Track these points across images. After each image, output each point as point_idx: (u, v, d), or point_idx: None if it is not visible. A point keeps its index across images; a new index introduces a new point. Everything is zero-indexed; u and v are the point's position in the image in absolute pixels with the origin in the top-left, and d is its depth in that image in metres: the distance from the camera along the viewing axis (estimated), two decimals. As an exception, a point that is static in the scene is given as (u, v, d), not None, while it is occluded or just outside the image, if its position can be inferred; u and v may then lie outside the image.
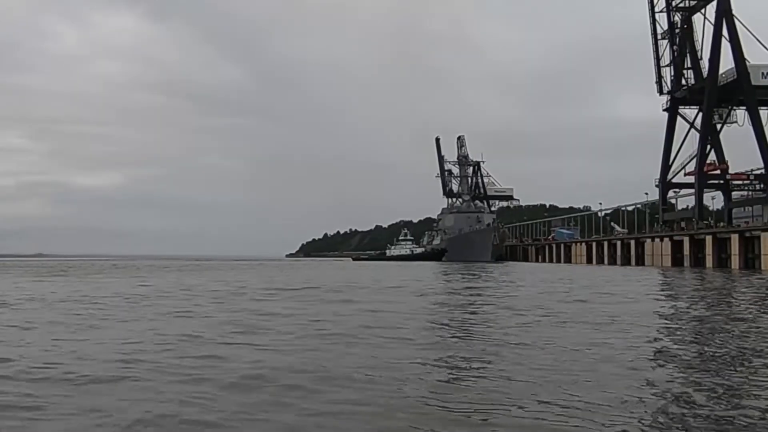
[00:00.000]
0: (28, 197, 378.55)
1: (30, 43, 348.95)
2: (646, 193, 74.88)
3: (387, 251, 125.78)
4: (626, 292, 21.64)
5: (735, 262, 49.57)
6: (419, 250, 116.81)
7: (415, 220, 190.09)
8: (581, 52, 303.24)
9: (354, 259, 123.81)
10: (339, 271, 48.67)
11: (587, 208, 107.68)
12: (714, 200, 67.93)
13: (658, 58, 64.76)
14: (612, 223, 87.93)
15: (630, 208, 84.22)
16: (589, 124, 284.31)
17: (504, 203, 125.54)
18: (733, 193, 63.06)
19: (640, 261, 63.17)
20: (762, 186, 58.64)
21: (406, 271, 47.45)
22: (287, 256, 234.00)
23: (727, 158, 62.74)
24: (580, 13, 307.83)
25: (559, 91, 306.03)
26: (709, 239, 53.63)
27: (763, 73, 58.55)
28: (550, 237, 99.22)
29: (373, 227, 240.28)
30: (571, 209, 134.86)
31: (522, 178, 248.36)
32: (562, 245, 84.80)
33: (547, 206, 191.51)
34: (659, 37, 64.37)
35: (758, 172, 59.11)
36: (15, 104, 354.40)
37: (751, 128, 58.67)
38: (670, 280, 31.20)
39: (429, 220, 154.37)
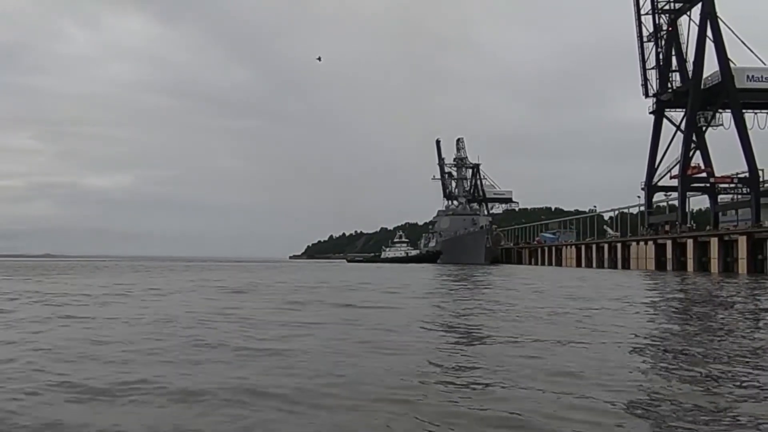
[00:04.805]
0: (38, 198, 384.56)
1: (41, 45, 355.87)
2: (639, 197, 74.48)
3: (382, 253, 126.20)
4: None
5: (714, 265, 49.27)
6: (414, 252, 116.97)
7: (420, 223, 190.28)
8: (588, 53, 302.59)
9: (348, 261, 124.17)
10: (317, 273, 48.77)
11: (592, 211, 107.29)
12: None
13: (643, 61, 64.41)
14: (605, 227, 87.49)
15: (633, 211, 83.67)
16: (597, 126, 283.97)
17: (505, 205, 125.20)
18: (720, 196, 62.53)
19: (626, 264, 62.92)
20: (747, 189, 58.04)
21: (381, 273, 47.69)
22: (291, 257, 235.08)
23: (715, 162, 62.29)
24: (586, 15, 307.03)
25: (566, 93, 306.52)
26: (690, 243, 53.34)
27: (747, 76, 58.01)
28: (536, 240, 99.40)
29: (378, 229, 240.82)
30: (577, 212, 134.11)
31: (528, 180, 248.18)
32: (554, 248, 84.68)
33: (553, 209, 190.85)
34: (645, 39, 64.06)
35: (743, 175, 58.57)
36: (26, 105, 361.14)
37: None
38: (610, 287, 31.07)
39: (433, 222, 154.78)
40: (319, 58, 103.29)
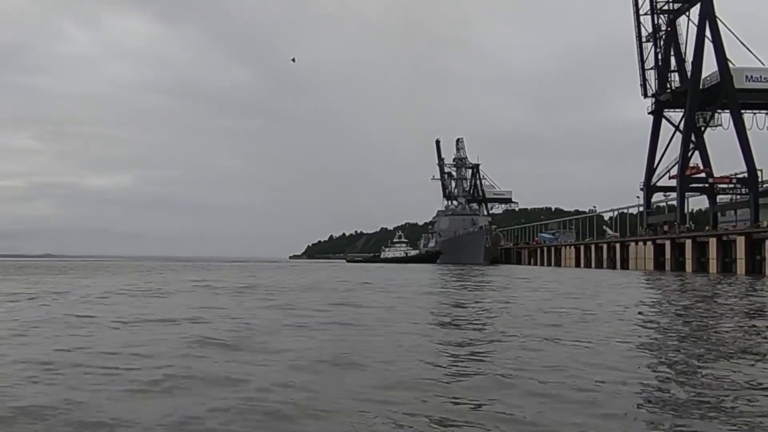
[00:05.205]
0: (39, 198, 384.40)
1: (42, 45, 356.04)
2: (638, 197, 74.52)
3: (381, 254, 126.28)
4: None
5: (713, 266, 49.34)
6: (413, 252, 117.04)
7: (420, 223, 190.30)
8: (588, 53, 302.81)
9: (348, 261, 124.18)
10: (317, 273, 48.75)
11: (592, 211, 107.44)
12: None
13: (642, 61, 64.47)
14: (604, 227, 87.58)
15: (633, 211, 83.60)
16: (597, 126, 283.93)
17: (504, 206, 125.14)
18: (719, 197, 62.59)
19: (625, 264, 62.93)
20: (745, 190, 58.11)
21: (381, 273, 47.74)
22: (291, 257, 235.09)
23: (714, 162, 62.42)
24: (586, 15, 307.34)
25: (566, 93, 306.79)
26: (689, 243, 53.39)
27: (746, 76, 58.08)
28: (534, 241, 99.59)
29: (378, 229, 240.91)
30: (577, 212, 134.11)
31: (528, 180, 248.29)
32: (553, 249, 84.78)
33: (553, 209, 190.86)
34: (644, 39, 64.13)
35: (742, 175, 58.64)
36: (26, 105, 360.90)
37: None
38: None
39: (433, 223, 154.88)
40: (294, 59, 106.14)
